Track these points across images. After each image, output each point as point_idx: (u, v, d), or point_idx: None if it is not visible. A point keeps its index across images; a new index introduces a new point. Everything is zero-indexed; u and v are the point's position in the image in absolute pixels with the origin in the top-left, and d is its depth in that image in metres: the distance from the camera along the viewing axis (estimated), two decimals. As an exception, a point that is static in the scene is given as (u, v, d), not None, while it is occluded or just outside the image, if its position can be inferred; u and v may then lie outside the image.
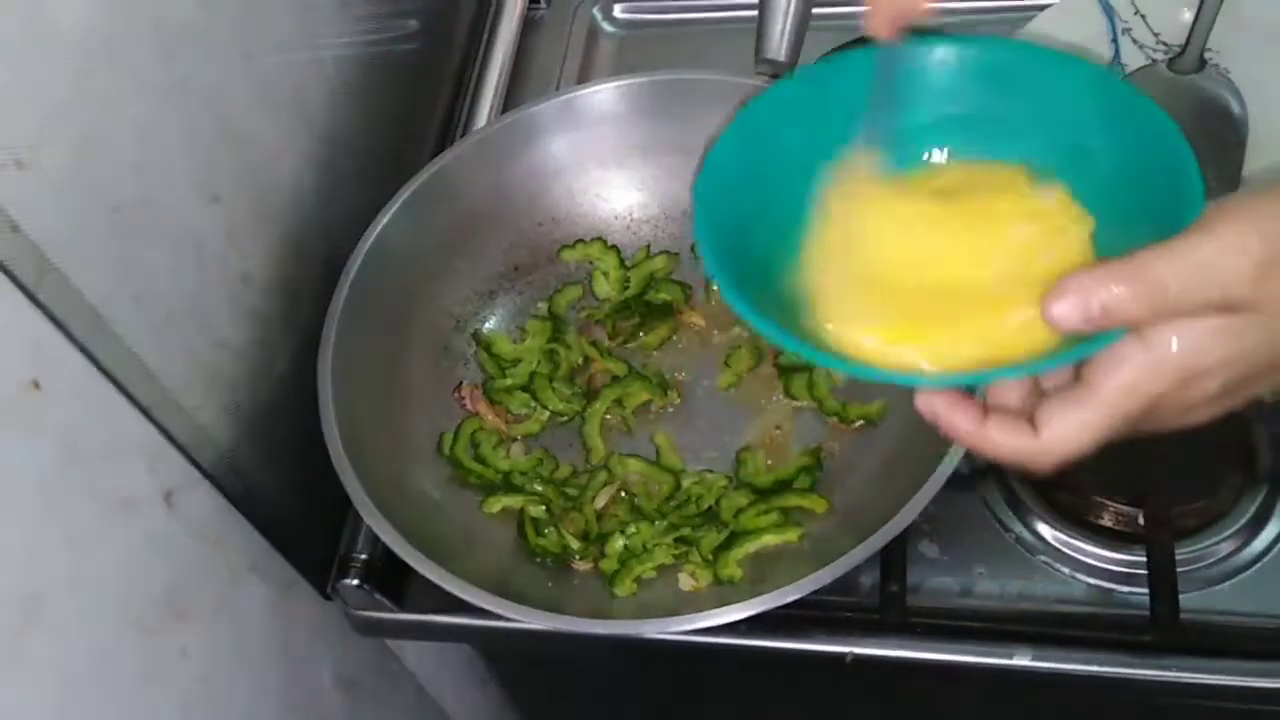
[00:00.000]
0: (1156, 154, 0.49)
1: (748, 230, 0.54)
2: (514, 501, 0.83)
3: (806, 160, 0.56)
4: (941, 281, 0.52)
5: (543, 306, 0.92)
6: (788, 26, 0.75)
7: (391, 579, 0.82)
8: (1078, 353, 0.47)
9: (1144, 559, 0.77)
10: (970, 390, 0.52)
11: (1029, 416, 0.49)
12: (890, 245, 0.54)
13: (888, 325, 0.51)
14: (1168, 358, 0.45)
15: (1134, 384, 0.46)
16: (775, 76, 0.79)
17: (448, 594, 0.71)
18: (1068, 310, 0.45)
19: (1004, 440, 0.49)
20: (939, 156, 0.57)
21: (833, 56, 0.57)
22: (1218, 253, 0.44)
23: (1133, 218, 0.49)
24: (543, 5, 1.14)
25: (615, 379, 0.88)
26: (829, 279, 0.54)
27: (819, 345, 0.51)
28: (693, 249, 0.94)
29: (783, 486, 0.81)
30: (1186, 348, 0.45)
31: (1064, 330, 0.46)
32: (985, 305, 0.50)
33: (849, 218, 0.55)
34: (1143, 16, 0.92)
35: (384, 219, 0.86)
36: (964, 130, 0.56)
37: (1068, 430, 0.47)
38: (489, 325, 0.92)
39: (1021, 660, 0.75)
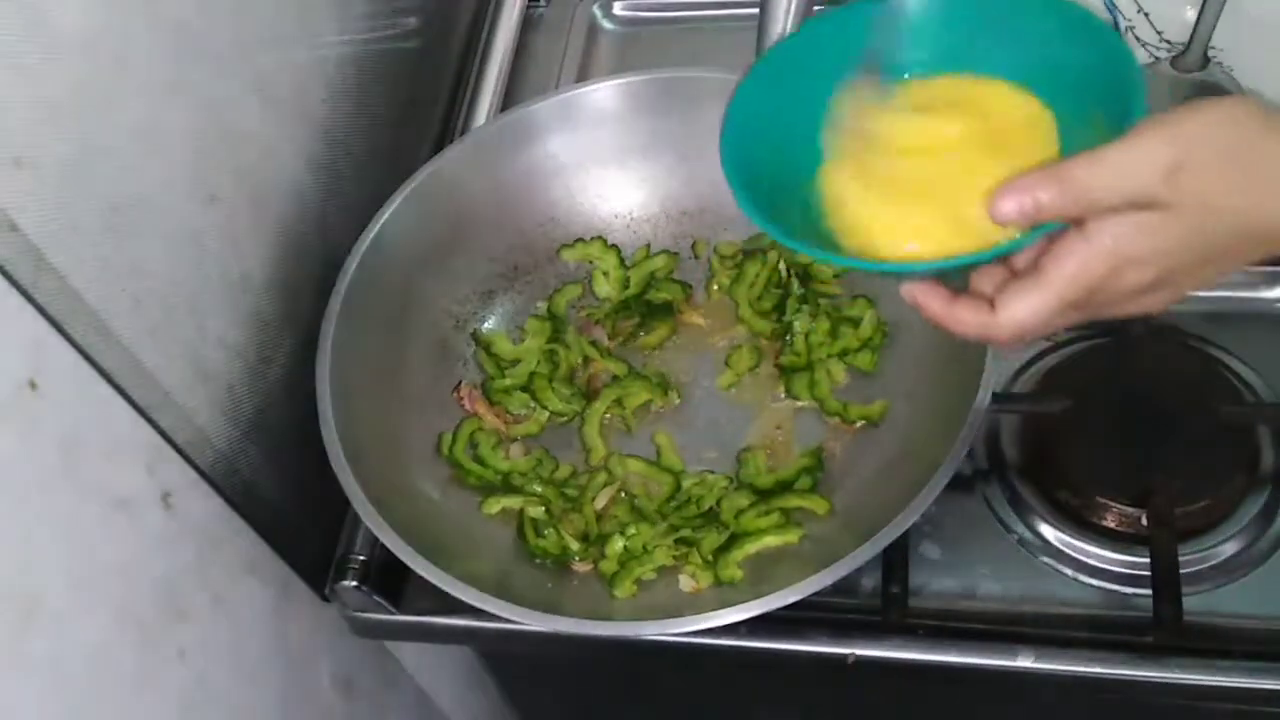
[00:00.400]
0: (1109, 75, 0.56)
1: (766, 154, 0.61)
2: (513, 502, 0.83)
3: (820, 91, 0.63)
4: (927, 180, 0.59)
5: (542, 306, 0.92)
6: (789, 24, 0.74)
7: (390, 580, 0.81)
8: (1019, 242, 0.54)
9: (1147, 560, 0.77)
10: (954, 282, 0.58)
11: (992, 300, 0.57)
12: (881, 149, 0.61)
13: (879, 219, 0.58)
14: (1103, 248, 0.52)
15: (1076, 271, 0.53)
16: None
17: (446, 595, 0.71)
18: (1008, 207, 0.52)
19: (968, 318, 0.57)
20: (923, 76, 0.63)
21: (844, 5, 0.63)
22: (1133, 157, 0.51)
23: (1090, 127, 0.56)
24: (542, 3, 1.14)
25: (615, 379, 0.87)
26: (832, 184, 0.61)
27: (817, 244, 0.58)
28: (693, 248, 0.93)
29: (784, 487, 0.81)
30: (1119, 239, 0.52)
31: (1007, 224, 0.53)
32: (964, 197, 0.56)
33: (848, 134, 0.63)
34: (1146, 15, 0.92)
35: (382, 218, 0.85)
36: (946, 58, 0.63)
37: (1018, 310, 0.54)
38: (488, 325, 0.92)
39: (1024, 662, 0.75)
